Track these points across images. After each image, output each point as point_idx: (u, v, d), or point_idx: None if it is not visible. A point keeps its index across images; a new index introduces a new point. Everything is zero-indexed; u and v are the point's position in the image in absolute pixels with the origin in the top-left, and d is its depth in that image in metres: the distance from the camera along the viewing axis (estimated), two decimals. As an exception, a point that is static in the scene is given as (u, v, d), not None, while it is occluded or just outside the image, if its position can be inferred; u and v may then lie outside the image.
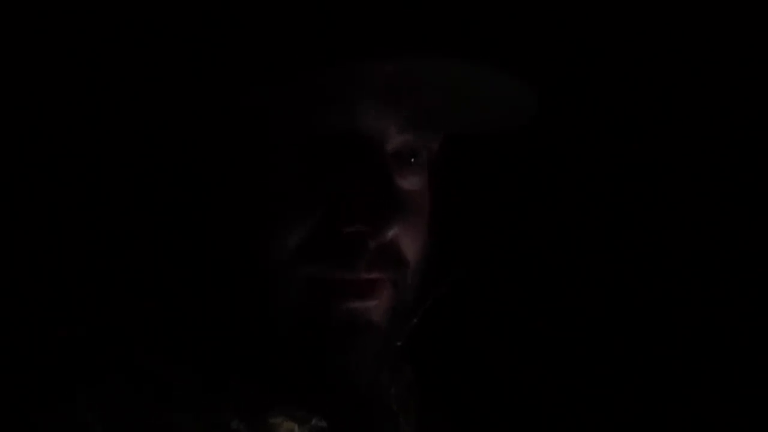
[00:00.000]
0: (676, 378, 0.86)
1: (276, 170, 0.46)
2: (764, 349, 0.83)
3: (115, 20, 0.51)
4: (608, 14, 0.83)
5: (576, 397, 0.85)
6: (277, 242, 0.46)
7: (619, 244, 0.87)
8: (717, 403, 0.83)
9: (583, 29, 0.83)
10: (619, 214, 0.87)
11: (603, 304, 0.87)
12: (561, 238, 0.87)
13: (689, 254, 0.87)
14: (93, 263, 0.51)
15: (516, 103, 0.49)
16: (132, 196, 0.51)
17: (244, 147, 0.47)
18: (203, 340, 0.49)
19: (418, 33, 0.47)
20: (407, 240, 0.49)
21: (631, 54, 0.84)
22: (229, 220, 0.47)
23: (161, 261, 0.50)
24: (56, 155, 0.54)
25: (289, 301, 0.47)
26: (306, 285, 0.47)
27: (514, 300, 0.85)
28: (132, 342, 0.48)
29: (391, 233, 0.46)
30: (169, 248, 0.49)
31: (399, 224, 0.46)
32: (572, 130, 0.83)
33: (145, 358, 0.48)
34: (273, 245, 0.46)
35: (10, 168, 0.55)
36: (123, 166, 0.51)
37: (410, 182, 0.50)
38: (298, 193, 0.46)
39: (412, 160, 0.50)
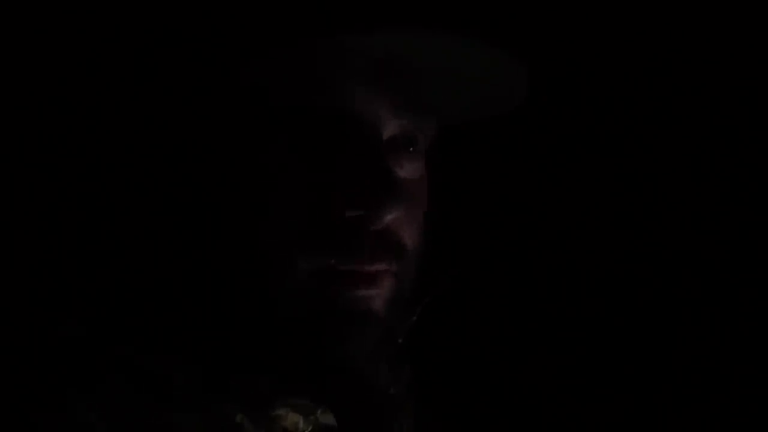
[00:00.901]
0: (674, 376, 0.86)
1: (272, 158, 0.46)
2: (764, 349, 0.83)
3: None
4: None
5: (576, 396, 0.85)
6: (276, 233, 0.46)
7: (623, 233, 0.87)
8: (717, 402, 0.83)
9: (577, 5, 0.82)
10: (623, 201, 0.87)
11: (606, 301, 0.86)
12: (562, 231, 0.86)
13: (688, 245, 0.87)
14: (91, 260, 0.51)
15: (509, 83, 0.50)
16: (128, 191, 0.50)
17: (239, 135, 0.47)
18: (204, 336, 0.49)
19: (408, 7, 0.47)
20: (406, 228, 0.50)
21: (629, 35, 0.84)
22: (226, 211, 0.47)
23: (159, 256, 0.50)
24: (46, 144, 0.53)
25: (290, 293, 0.47)
26: (308, 276, 0.47)
27: (514, 298, 0.85)
28: (132, 340, 0.48)
29: (389, 217, 0.46)
30: (168, 243, 0.49)
31: (397, 209, 0.46)
32: (568, 116, 0.83)
33: (145, 356, 0.48)
34: (272, 236, 0.46)
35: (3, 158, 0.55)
36: (117, 157, 0.51)
37: (407, 170, 0.50)
38: (295, 181, 0.46)
39: (411, 149, 0.50)
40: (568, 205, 0.86)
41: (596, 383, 0.86)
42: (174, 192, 0.49)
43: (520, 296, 0.86)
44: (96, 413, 0.45)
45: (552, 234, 0.87)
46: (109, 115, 0.51)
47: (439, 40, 0.46)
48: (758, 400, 0.82)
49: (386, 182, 0.46)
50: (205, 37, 0.47)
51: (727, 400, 0.84)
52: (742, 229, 0.86)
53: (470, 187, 0.77)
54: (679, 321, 0.87)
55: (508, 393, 0.84)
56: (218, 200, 0.48)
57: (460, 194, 0.72)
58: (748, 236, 0.85)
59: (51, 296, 0.51)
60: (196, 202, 0.48)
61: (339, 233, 0.46)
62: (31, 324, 0.50)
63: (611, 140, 0.86)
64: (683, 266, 0.87)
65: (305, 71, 0.45)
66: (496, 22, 0.50)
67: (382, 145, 0.48)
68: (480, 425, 0.79)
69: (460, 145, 0.57)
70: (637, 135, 0.86)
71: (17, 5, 0.53)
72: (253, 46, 0.45)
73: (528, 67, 0.49)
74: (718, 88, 0.85)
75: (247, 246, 0.47)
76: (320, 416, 0.49)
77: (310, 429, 0.49)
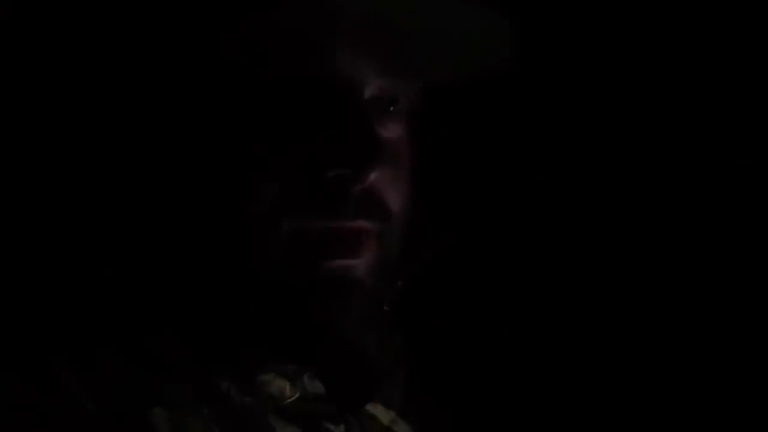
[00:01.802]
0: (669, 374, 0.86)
1: (252, 119, 0.46)
2: (764, 349, 0.83)
3: None
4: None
5: (566, 377, 0.85)
6: (257, 194, 0.46)
7: (615, 204, 0.86)
8: (717, 402, 0.84)
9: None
10: (615, 168, 0.86)
11: (600, 270, 0.86)
12: (551, 197, 0.86)
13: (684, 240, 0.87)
14: (75, 235, 0.51)
15: (493, 41, 0.49)
16: (108, 163, 0.50)
17: (218, 97, 0.46)
18: (188, 304, 0.48)
19: None
20: (390, 190, 0.49)
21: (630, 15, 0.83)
22: (206, 174, 0.47)
23: (142, 227, 0.49)
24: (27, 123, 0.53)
25: (273, 256, 0.46)
26: (290, 238, 0.46)
27: (504, 266, 0.85)
28: (119, 313, 0.48)
29: (372, 176, 0.46)
30: (150, 213, 0.49)
31: (380, 168, 0.46)
32: (557, 75, 0.82)
33: (133, 328, 0.47)
34: (253, 198, 0.46)
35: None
36: (97, 126, 0.50)
37: (389, 130, 0.50)
38: (277, 142, 0.46)
39: (391, 108, 0.50)
40: (557, 167, 0.86)
41: (587, 353, 0.86)
42: (153, 159, 0.48)
43: (511, 264, 0.86)
44: (82, 386, 0.45)
45: (542, 197, 0.86)
46: (86, 85, 0.50)
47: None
48: (758, 400, 0.82)
49: (368, 141, 0.46)
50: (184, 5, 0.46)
51: (727, 400, 0.84)
52: (742, 228, 0.85)
53: (459, 150, 0.76)
54: (675, 318, 0.86)
55: (498, 362, 0.84)
56: (199, 164, 0.47)
57: (448, 158, 0.72)
58: (748, 235, 0.85)
59: (36, 272, 0.51)
60: (175, 168, 0.48)
61: (322, 193, 0.46)
62: (19, 301, 0.49)
63: (601, 101, 0.85)
64: (678, 260, 0.87)
65: (286, 31, 0.45)
66: None
67: (364, 105, 0.47)
68: (470, 395, 0.79)
69: (446, 107, 0.57)
70: (630, 87, 0.85)
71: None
72: (234, 7, 0.44)
73: (510, 23, 0.48)
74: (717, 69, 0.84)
75: (229, 211, 0.46)
76: (307, 382, 0.49)
77: (297, 395, 0.49)
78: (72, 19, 0.50)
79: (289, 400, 0.49)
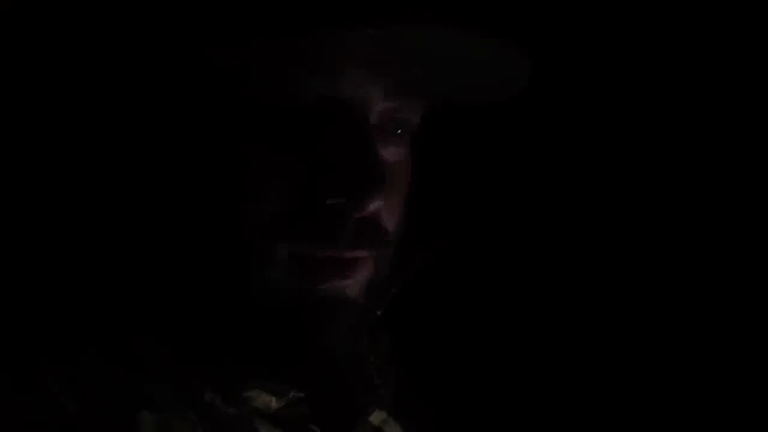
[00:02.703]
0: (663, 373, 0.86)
1: (256, 141, 0.45)
2: (764, 349, 0.83)
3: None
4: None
5: (555, 375, 0.85)
6: (257, 216, 0.45)
7: (606, 218, 0.87)
8: (716, 403, 0.84)
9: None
10: (608, 189, 0.86)
11: (588, 279, 0.86)
12: (541, 209, 0.86)
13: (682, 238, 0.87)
14: (67, 238, 0.50)
15: (506, 73, 0.48)
16: (108, 173, 0.49)
17: (222, 117, 0.45)
18: (178, 315, 0.48)
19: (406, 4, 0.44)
20: (388, 215, 0.48)
21: (630, 24, 0.82)
22: (207, 193, 0.46)
23: (138, 234, 0.48)
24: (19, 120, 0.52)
25: (269, 277, 0.46)
26: (287, 262, 0.45)
27: (494, 270, 0.85)
28: (104, 316, 0.47)
29: (373, 206, 0.45)
30: (146, 223, 0.48)
31: (380, 198, 0.45)
32: (556, 101, 0.82)
33: (118, 332, 0.47)
34: (253, 219, 0.45)
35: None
36: (96, 136, 0.49)
37: (392, 154, 0.49)
38: (279, 165, 0.45)
39: (399, 131, 0.48)
40: (551, 186, 0.86)
41: (575, 353, 0.87)
42: (154, 174, 0.47)
43: (500, 266, 0.86)
44: (65, 390, 0.44)
45: (531, 202, 0.86)
46: (92, 96, 0.49)
47: (433, 30, 0.44)
48: (757, 400, 0.82)
49: (371, 171, 0.44)
50: (191, 22, 0.45)
51: (726, 400, 0.84)
52: (741, 227, 0.85)
53: (452, 168, 0.76)
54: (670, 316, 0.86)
55: (488, 362, 0.84)
56: (198, 180, 0.46)
57: (442, 175, 0.72)
58: (747, 234, 0.85)
59: (23, 273, 0.50)
60: (176, 181, 0.47)
61: (321, 220, 0.45)
62: (5, 298, 0.48)
63: (596, 129, 0.85)
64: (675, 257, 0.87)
65: (293, 55, 0.43)
66: (497, 14, 0.48)
67: (369, 131, 0.46)
68: (460, 396, 0.79)
69: (443, 126, 0.56)
70: (634, 119, 0.85)
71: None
72: (243, 35, 0.43)
73: (528, 59, 0.47)
74: (720, 81, 0.84)
75: (226, 227, 0.45)
76: (293, 397, 0.49)
77: (283, 405, 0.49)
78: (85, 25, 0.48)
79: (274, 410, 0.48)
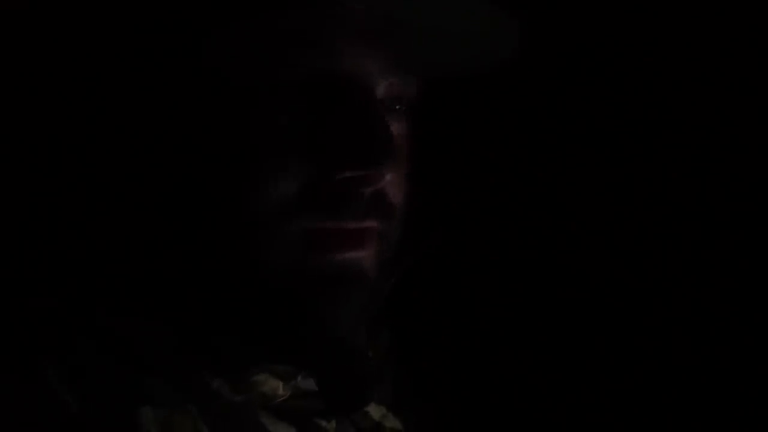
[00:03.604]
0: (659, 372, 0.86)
1: (264, 119, 0.45)
2: (764, 349, 0.83)
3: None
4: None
5: (554, 372, 0.85)
6: (269, 194, 0.45)
7: (608, 214, 0.87)
8: (716, 403, 0.84)
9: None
10: (611, 185, 0.86)
11: (589, 276, 0.86)
12: (543, 195, 0.86)
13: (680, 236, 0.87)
14: (66, 226, 0.49)
15: (498, 38, 0.49)
16: (109, 156, 0.49)
17: (229, 96, 0.45)
18: (185, 302, 0.48)
19: None
20: (393, 189, 0.49)
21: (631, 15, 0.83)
22: (217, 172, 0.46)
23: (141, 219, 0.48)
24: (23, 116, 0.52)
25: (281, 255, 0.46)
26: (299, 237, 0.46)
27: (495, 261, 0.85)
28: (107, 305, 0.47)
29: (386, 179, 0.46)
30: (150, 205, 0.48)
31: (393, 170, 0.46)
32: (557, 74, 0.82)
33: (121, 321, 0.46)
34: (265, 197, 0.45)
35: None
36: (98, 119, 0.49)
37: (395, 129, 0.49)
38: (289, 142, 0.45)
39: (397, 107, 0.49)
40: (553, 166, 0.86)
41: (574, 351, 0.87)
42: (160, 153, 0.47)
43: (500, 262, 0.86)
44: (65, 383, 0.44)
45: (533, 195, 0.86)
46: (96, 83, 0.49)
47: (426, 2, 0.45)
48: (757, 400, 0.82)
49: (384, 143, 0.45)
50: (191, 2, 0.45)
51: (726, 400, 0.84)
52: (742, 228, 0.85)
53: (453, 145, 0.76)
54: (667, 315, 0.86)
55: (486, 358, 0.84)
56: (208, 159, 0.46)
57: (444, 153, 0.71)
58: (747, 233, 0.85)
59: (24, 265, 0.50)
60: (184, 160, 0.47)
61: (331, 194, 0.45)
62: (3, 293, 0.48)
63: (600, 99, 0.85)
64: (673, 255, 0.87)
65: (297, 30, 0.44)
66: None
67: (377, 105, 0.46)
68: (458, 389, 0.79)
69: (442, 102, 0.56)
70: (630, 88, 0.85)
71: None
72: (246, 7, 0.43)
73: (516, 19, 0.48)
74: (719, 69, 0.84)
75: (237, 209, 0.45)
76: (300, 382, 0.49)
77: (289, 393, 0.49)
78: (82, 20, 0.48)
79: (281, 399, 0.48)
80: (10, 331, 0.46)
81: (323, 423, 0.50)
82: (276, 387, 0.48)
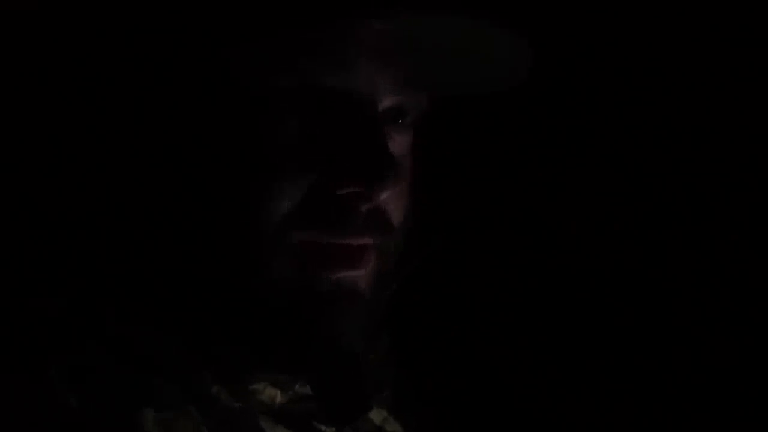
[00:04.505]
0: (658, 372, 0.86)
1: (267, 132, 0.45)
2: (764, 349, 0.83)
3: None
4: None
5: (555, 373, 0.85)
6: (269, 207, 0.45)
7: (609, 215, 0.87)
8: (716, 403, 0.84)
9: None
10: (610, 180, 0.86)
11: (589, 277, 0.86)
12: (541, 207, 0.86)
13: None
14: (72, 230, 0.50)
15: (511, 62, 0.49)
16: (113, 164, 0.49)
17: (233, 108, 0.45)
18: (185, 307, 0.48)
19: None
20: (394, 204, 0.49)
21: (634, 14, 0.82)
22: (219, 183, 0.46)
23: (144, 226, 0.48)
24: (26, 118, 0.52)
25: (279, 267, 0.46)
26: (298, 251, 0.46)
27: (495, 268, 0.85)
28: (109, 309, 0.47)
29: (382, 196, 0.46)
30: (152, 213, 0.48)
31: (390, 188, 0.46)
32: (555, 81, 0.82)
33: (121, 325, 0.47)
34: (266, 210, 0.45)
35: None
36: (102, 127, 0.49)
37: (398, 145, 0.49)
38: (290, 156, 0.45)
39: (400, 121, 0.49)
40: (553, 180, 0.86)
41: (575, 347, 0.87)
42: (163, 165, 0.47)
43: (499, 265, 0.86)
44: (69, 385, 0.44)
45: (535, 203, 0.86)
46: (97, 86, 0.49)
47: (444, 20, 0.45)
48: (757, 400, 0.82)
49: (382, 160, 0.45)
50: (206, 15, 0.45)
51: (725, 400, 0.84)
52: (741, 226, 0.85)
53: (455, 160, 0.76)
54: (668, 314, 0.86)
55: (487, 361, 0.84)
56: (210, 170, 0.46)
57: (446, 167, 0.72)
58: (747, 233, 0.85)
59: (29, 266, 0.50)
60: (186, 175, 0.47)
61: (331, 209, 0.45)
62: (7, 294, 0.48)
63: (597, 121, 0.85)
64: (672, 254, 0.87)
65: (304, 47, 0.44)
66: (503, 3, 0.48)
67: (379, 122, 0.46)
68: (459, 394, 0.79)
69: (447, 115, 0.56)
70: (638, 107, 0.85)
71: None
72: (255, 21, 0.44)
73: (533, 46, 0.48)
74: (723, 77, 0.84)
75: (237, 218, 0.46)
76: (298, 389, 0.49)
77: (287, 400, 0.49)
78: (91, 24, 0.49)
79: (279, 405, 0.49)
80: (13, 332, 0.46)
81: (322, 427, 0.50)
82: (274, 395, 0.48)
